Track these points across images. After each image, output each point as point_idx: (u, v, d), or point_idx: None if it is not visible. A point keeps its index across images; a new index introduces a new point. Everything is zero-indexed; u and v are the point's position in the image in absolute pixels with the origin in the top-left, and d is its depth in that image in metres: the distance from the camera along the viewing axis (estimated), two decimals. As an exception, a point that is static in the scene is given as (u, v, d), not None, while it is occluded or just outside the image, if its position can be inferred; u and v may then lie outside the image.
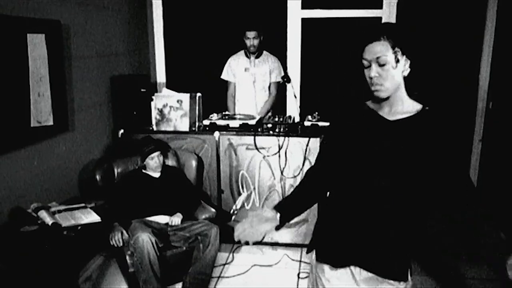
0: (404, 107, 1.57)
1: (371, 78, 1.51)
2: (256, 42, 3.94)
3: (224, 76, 4.19)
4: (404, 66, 1.53)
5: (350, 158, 1.59)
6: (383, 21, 4.17)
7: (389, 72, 1.49)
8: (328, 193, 1.71)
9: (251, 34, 3.91)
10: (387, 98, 1.55)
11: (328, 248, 1.66)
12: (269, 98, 4.14)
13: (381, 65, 1.49)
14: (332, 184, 1.67)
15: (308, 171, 1.79)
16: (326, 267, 1.66)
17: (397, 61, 1.49)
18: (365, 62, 1.51)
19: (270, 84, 4.13)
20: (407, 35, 1.53)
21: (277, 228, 1.61)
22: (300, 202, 1.72)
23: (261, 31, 3.95)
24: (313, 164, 1.79)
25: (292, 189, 1.75)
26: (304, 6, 4.23)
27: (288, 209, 1.66)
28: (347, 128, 1.64)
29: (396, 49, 1.48)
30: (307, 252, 1.74)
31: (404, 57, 1.51)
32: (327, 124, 3.32)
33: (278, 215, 1.60)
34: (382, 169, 1.53)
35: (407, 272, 1.61)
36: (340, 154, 1.62)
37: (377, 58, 1.48)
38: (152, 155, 3.08)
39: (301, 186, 1.75)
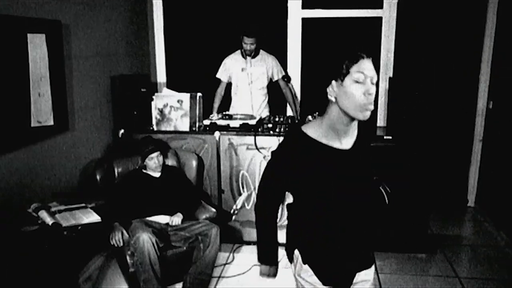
0: (354, 130, 1.59)
1: (369, 94, 1.42)
2: (253, 47, 3.99)
3: (219, 75, 4.20)
4: None
5: (319, 190, 1.55)
6: (383, 21, 4.18)
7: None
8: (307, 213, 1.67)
9: (249, 40, 3.95)
10: (351, 123, 1.51)
11: (324, 268, 1.65)
12: (289, 99, 4.16)
13: (373, 84, 1.44)
14: (311, 212, 1.63)
15: (264, 209, 1.72)
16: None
17: None
18: (360, 76, 1.41)
19: (277, 83, 4.13)
20: None
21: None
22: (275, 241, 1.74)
23: (258, 37, 3.98)
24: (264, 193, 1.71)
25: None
26: (305, 6, 4.23)
27: (275, 255, 1.75)
28: (300, 164, 1.53)
29: None
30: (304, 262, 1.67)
31: None
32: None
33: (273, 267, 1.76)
34: (355, 195, 1.60)
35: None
36: (304, 188, 1.57)
37: (373, 76, 1.43)
38: (152, 155, 3.08)
39: (270, 228, 1.72)
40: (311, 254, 1.64)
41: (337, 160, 1.54)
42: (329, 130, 1.53)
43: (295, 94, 3.64)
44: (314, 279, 1.63)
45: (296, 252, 1.66)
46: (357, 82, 1.42)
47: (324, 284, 1.63)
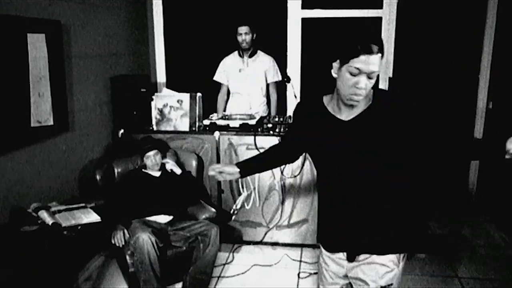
0: (360, 105, 1.60)
1: (357, 87, 1.47)
2: (248, 38, 3.89)
3: (217, 77, 4.16)
4: None
5: (322, 157, 1.72)
6: (383, 21, 4.17)
7: (371, 84, 1.51)
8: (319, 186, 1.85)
9: (242, 29, 3.87)
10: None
11: (327, 237, 1.81)
12: (272, 102, 4.13)
13: (370, 78, 1.48)
14: (319, 178, 1.80)
15: (272, 146, 2.03)
16: (326, 253, 1.81)
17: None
18: (354, 70, 1.46)
19: (268, 85, 4.11)
20: None
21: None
22: (259, 164, 2.00)
23: (253, 27, 3.91)
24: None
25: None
26: (304, 6, 4.23)
27: (247, 167, 1.92)
28: (309, 125, 1.72)
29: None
30: (318, 242, 1.90)
31: None
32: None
33: (238, 170, 1.86)
34: (351, 167, 1.61)
35: (401, 245, 1.71)
36: (312, 151, 1.77)
37: (372, 72, 1.46)
38: (148, 153, 3.08)
39: (264, 154, 2.00)
40: (319, 227, 1.85)
41: (335, 129, 1.63)
42: (334, 100, 1.64)
43: (295, 95, 3.65)
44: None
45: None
46: (351, 74, 1.47)
47: (327, 250, 1.79)
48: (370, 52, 1.43)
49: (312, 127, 1.70)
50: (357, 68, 1.45)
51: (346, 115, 1.62)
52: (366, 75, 1.46)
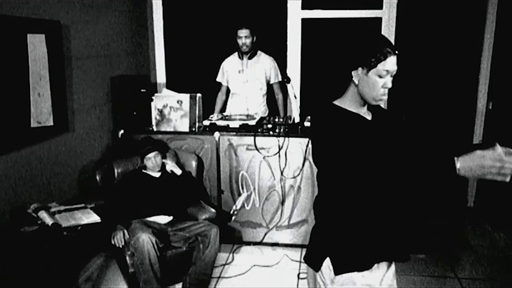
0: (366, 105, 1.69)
1: (386, 87, 1.57)
2: (248, 41, 3.89)
3: (219, 78, 4.20)
4: None
5: (363, 164, 1.50)
6: (383, 21, 4.17)
7: None
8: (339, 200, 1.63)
9: (242, 32, 3.87)
10: (364, 104, 1.66)
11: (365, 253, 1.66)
12: (279, 102, 4.17)
13: (391, 77, 1.58)
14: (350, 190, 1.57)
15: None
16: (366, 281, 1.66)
17: None
18: (384, 73, 1.54)
19: (272, 86, 4.12)
20: None
21: None
22: None
23: (253, 30, 3.91)
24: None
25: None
26: (304, 6, 4.23)
27: None
28: (345, 131, 1.56)
29: None
30: (346, 271, 1.61)
31: None
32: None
33: None
34: (390, 163, 1.51)
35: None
36: (350, 162, 1.51)
37: (395, 71, 1.56)
38: (149, 155, 3.08)
39: None
40: (350, 251, 1.61)
41: (368, 129, 1.63)
42: (352, 102, 1.66)
43: (295, 95, 3.65)
44: None
45: (328, 262, 1.61)
46: (380, 76, 1.55)
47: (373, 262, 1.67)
48: (393, 53, 1.55)
49: (345, 134, 1.55)
50: (386, 70, 1.54)
51: (365, 115, 1.66)
52: (390, 75, 1.57)
